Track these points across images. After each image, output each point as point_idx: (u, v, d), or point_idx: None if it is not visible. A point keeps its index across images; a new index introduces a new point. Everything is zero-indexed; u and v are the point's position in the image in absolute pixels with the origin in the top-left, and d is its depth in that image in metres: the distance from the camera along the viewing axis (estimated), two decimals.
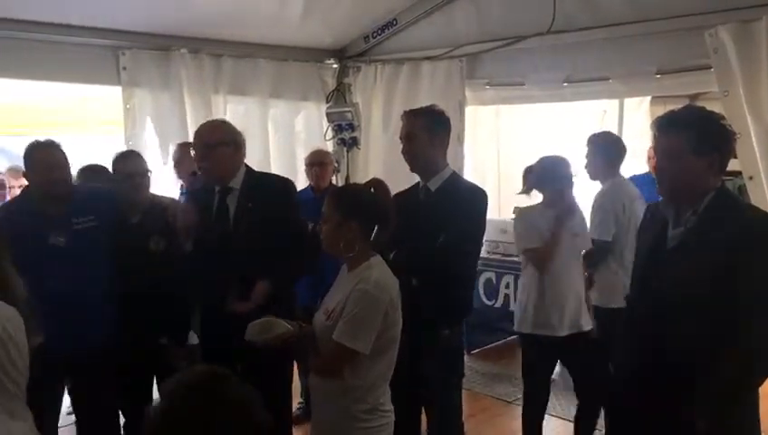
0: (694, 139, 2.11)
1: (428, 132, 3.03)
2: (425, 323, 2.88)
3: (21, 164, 3.28)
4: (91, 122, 6.14)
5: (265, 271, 2.94)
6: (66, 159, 3.14)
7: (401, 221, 2.84)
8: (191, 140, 4.63)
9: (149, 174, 3.41)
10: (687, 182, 2.15)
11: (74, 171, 4.12)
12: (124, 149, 4.20)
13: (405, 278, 2.82)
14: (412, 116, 3.08)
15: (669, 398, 2.15)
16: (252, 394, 1.30)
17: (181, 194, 4.25)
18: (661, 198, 2.32)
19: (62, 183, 3.10)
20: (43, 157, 3.08)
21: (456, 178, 3.13)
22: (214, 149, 2.96)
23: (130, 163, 3.33)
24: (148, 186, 3.42)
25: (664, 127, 2.19)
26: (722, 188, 2.18)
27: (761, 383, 2.15)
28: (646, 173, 4.90)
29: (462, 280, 3.09)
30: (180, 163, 4.38)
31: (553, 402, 4.65)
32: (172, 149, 4.61)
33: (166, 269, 3.17)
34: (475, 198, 3.05)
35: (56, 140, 3.18)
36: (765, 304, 2.02)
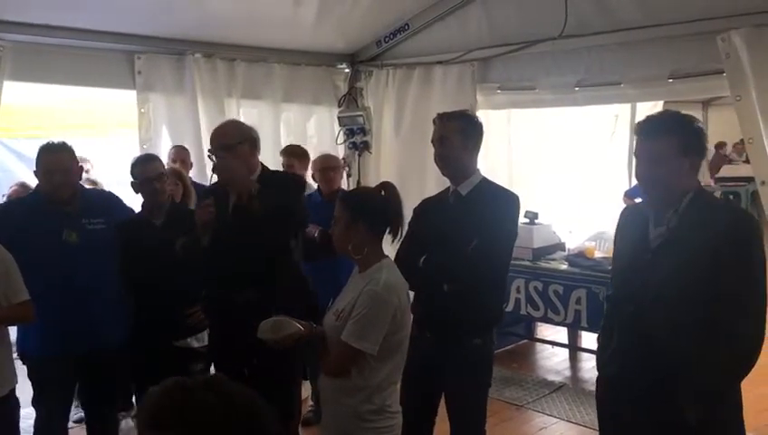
0: (680, 142, 2.19)
1: (462, 136, 2.97)
2: (456, 329, 2.86)
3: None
4: (108, 125, 6.22)
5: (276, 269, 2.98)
6: (73, 162, 3.17)
7: (430, 226, 2.84)
8: (204, 142, 4.72)
9: (167, 176, 3.45)
10: (673, 184, 2.22)
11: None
12: (141, 153, 4.25)
13: (436, 284, 2.83)
14: (446, 119, 3.01)
15: (659, 394, 2.20)
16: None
17: None
18: (640, 200, 2.42)
19: (63, 187, 3.13)
20: (48, 161, 3.12)
21: (487, 183, 3.05)
22: (232, 150, 2.98)
23: (149, 167, 3.36)
24: (167, 188, 3.46)
25: (651, 132, 2.25)
26: (699, 187, 2.29)
27: (744, 375, 2.20)
28: None
29: (494, 286, 3.00)
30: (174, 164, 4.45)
31: (563, 406, 4.66)
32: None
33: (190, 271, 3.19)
34: (508, 203, 2.98)
35: (68, 142, 3.22)
36: (746, 300, 2.11)
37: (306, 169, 4.50)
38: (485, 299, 2.92)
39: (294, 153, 4.58)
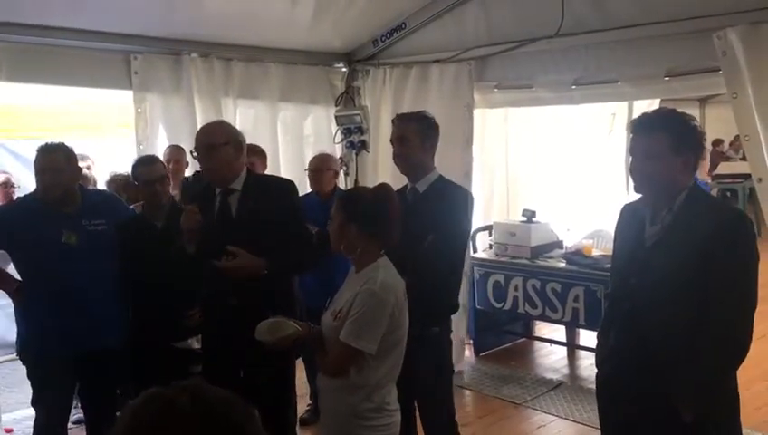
0: (673, 139, 2.20)
1: (421, 136, 3.16)
2: (415, 320, 2.91)
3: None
4: (108, 126, 6.21)
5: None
6: (67, 163, 3.15)
7: None
8: None
9: (169, 178, 3.45)
10: (666, 181, 2.24)
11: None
12: (138, 153, 4.24)
13: None
14: (405, 120, 3.21)
15: (654, 393, 2.22)
16: None
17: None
18: (638, 198, 2.40)
19: (53, 188, 3.11)
20: (40, 161, 3.12)
21: (442, 181, 3.23)
22: (216, 150, 2.96)
23: (150, 169, 3.36)
24: (168, 189, 3.46)
25: (645, 128, 2.27)
26: (693, 186, 2.29)
27: (736, 367, 2.22)
28: None
29: (450, 279, 3.18)
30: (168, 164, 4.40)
31: (561, 404, 4.66)
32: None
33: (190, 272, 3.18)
34: (462, 200, 3.17)
35: (67, 144, 3.21)
36: (738, 300, 2.14)
37: (266, 166, 4.41)
38: (442, 291, 3.11)
39: (253, 151, 4.51)
